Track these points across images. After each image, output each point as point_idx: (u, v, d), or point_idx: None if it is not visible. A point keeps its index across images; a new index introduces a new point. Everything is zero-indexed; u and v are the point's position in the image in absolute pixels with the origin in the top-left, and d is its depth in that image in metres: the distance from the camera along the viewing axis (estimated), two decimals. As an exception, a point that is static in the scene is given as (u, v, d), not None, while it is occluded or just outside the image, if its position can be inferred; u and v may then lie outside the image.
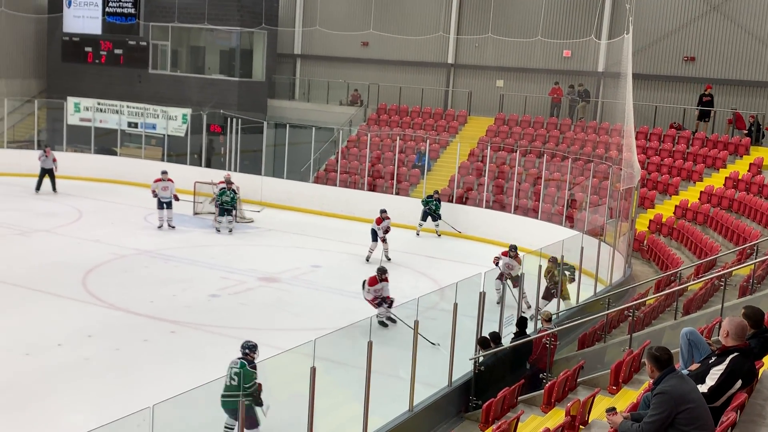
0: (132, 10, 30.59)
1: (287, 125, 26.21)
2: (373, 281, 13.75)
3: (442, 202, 22.10)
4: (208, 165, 27.03)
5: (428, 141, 25.29)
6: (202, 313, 14.14)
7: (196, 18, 29.92)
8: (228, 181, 21.25)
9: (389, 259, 18.47)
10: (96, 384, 10.82)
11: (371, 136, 25.89)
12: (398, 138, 25.66)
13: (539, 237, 18.36)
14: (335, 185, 25.02)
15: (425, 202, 21.96)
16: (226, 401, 8.38)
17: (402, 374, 9.54)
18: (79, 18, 31.50)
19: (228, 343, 12.78)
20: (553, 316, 12.36)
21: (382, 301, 13.62)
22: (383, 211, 19.02)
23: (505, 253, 15.49)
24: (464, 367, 10.41)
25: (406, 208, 23.24)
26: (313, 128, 26.08)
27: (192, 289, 15.52)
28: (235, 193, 21.15)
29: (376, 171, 25.39)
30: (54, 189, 24.53)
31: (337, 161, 25.73)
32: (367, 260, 18.37)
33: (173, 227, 20.61)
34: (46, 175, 24.51)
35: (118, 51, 31.09)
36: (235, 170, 25.75)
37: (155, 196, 20.49)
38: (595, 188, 21.88)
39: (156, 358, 11.97)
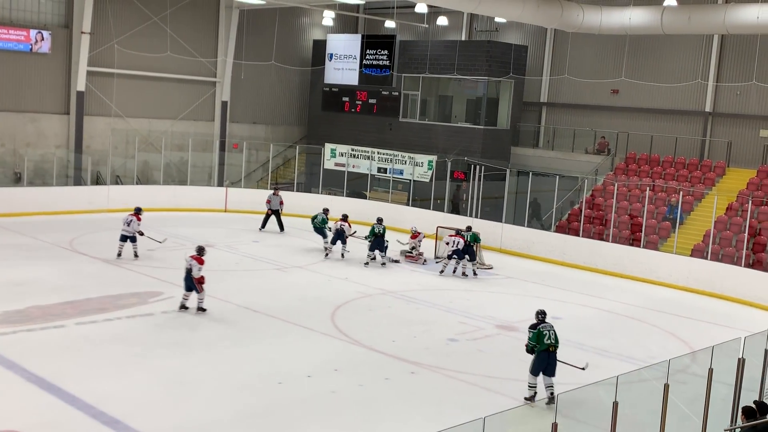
0: (387, 63, 32.30)
1: (530, 173, 26.11)
2: (200, 261, 15.78)
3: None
4: (452, 211, 27.58)
5: (681, 192, 23.97)
6: (440, 356, 14.33)
7: (446, 69, 30.92)
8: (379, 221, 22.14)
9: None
10: (341, 417, 11.30)
11: (618, 185, 25.05)
12: (648, 188, 24.58)
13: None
14: (578, 235, 24.43)
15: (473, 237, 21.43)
16: None
17: (648, 440, 9.01)
18: (339, 70, 33.83)
19: (466, 389, 12.86)
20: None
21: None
22: (459, 231, 21.47)
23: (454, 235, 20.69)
24: (718, 439, 9.63)
25: (654, 262, 22.16)
26: (557, 176, 25.74)
27: (431, 332, 15.81)
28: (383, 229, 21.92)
29: (622, 222, 24.46)
30: (281, 229, 25.79)
31: (581, 211, 25.15)
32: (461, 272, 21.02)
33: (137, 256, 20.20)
34: (273, 214, 25.84)
35: (372, 100, 32.91)
36: (476, 216, 26.05)
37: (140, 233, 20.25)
38: None
39: (396, 397, 12.28)
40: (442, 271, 21.36)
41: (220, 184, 31.58)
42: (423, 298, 18.60)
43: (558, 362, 12.13)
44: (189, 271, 15.83)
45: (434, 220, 24.98)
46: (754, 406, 9.80)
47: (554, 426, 7.29)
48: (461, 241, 21.15)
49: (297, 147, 32.40)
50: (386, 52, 32.34)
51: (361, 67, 33.13)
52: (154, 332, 14.57)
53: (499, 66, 30.25)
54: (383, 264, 21.99)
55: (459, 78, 30.79)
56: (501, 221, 25.54)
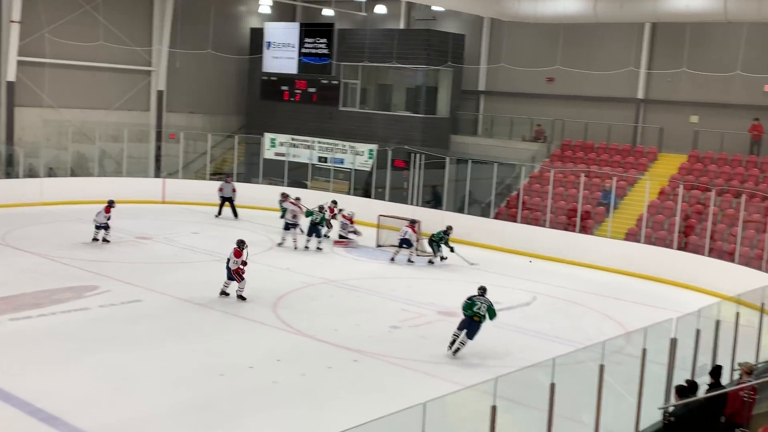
0: (326, 51, 32.17)
1: (469, 161, 26.40)
2: (237, 254, 16.27)
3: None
4: (392, 199, 27.71)
5: (615, 178, 24.53)
6: (383, 344, 14.43)
7: (385, 57, 30.96)
8: (321, 207, 22.80)
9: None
10: (284, 407, 11.31)
11: (555, 172, 25.50)
12: (583, 175, 25.09)
13: (736, 282, 17.26)
14: (516, 221, 24.82)
15: (438, 238, 21.54)
16: None
17: (585, 419, 9.23)
18: (277, 59, 33.54)
19: (409, 375, 13.00)
20: (755, 368, 11.51)
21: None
22: (413, 221, 22.08)
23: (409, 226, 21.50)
24: (651, 417, 9.91)
25: (589, 247, 22.66)
26: (495, 164, 26.07)
27: (374, 320, 15.91)
28: (324, 216, 22.68)
29: (558, 208, 24.94)
30: (235, 215, 26.35)
31: (519, 197, 25.52)
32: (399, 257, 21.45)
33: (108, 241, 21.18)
34: (227, 203, 26.45)
35: (311, 89, 32.74)
36: (417, 204, 26.23)
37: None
38: (801, 232, 20.27)
39: (340, 385, 12.35)
40: (392, 259, 21.72)
41: (158, 175, 31.10)
42: (365, 286, 18.68)
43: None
44: (228, 262, 16.37)
45: (376, 209, 25.06)
46: (686, 384, 10.15)
47: (493, 409, 7.42)
48: (409, 230, 21.61)
49: (236, 137, 32.06)
50: (325, 40, 32.20)
51: (299, 55, 32.91)
52: (91, 327, 14.31)
53: (437, 55, 30.41)
54: (319, 248, 22.29)
55: (398, 67, 30.87)
56: (441, 209, 25.75)
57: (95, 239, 21.19)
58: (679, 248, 21.74)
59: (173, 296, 16.55)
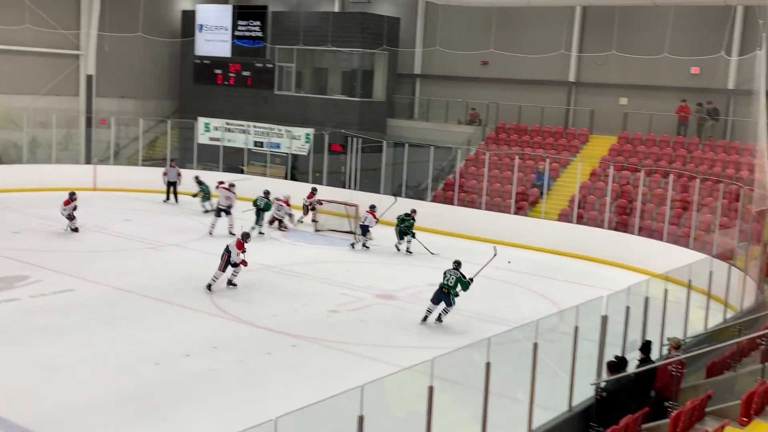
0: (260, 34, 31.79)
1: (406, 144, 26.49)
2: (240, 246, 16.26)
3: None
4: (330, 183, 27.66)
5: (548, 160, 24.96)
6: (322, 328, 14.45)
7: (320, 41, 30.76)
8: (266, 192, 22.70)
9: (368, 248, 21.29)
10: (222, 395, 11.23)
11: (490, 155, 25.80)
12: (517, 157, 25.45)
13: (665, 260, 17.78)
14: (453, 204, 25.05)
15: (401, 220, 21.43)
16: None
17: (520, 396, 9.43)
18: (210, 42, 33.01)
19: (348, 359, 13.06)
20: (682, 343, 11.91)
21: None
22: (373, 206, 21.73)
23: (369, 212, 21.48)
24: (584, 393, 10.18)
25: (524, 228, 23.03)
26: (432, 147, 26.23)
27: (312, 305, 15.90)
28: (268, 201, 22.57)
29: (493, 190, 25.26)
30: (176, 200, 26.31)
31: (455, 180, 25.76)
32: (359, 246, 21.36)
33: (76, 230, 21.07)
34: (172, 187, 26.34)
35: (246, 73, 32.34)
36: (355, 188, 26.23)
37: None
38: (725, 210, 20.96)
39: (279, 371, 12.33)
40: (353, 245, 21.71)
41: (88, 161, 30.38)
42: (303, 271, 18.63)
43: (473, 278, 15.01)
44: (227, 252, 16.25)
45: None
46: (616, 360, 10.45)
47: (430, 389, 7.52)
48: (370, 216, 21.60)
49: (169, 122, 31.49)
50: (258, 23, 31.80)
51: (233, 38, 32.44)
52: (22, 318, 13.94)
53: (372, 38, 30.37)
54: (261, 234, 22.12)
55: (333, 50, 30.72)
56: (380, 192, 25.82)
57: (71, 229, 20.94)
58: (610, 228, 22.27)
59: (106, 285, 16.23)
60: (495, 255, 15.52)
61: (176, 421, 10.35)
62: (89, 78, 31.85)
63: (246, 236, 16.69)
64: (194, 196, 25.52)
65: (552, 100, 28.74)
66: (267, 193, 22.69)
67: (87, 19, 31.27)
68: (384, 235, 23.25)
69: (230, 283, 16.62)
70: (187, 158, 30.13)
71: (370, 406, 6.78)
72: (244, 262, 16.45)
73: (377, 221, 21.80)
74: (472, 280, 15.03)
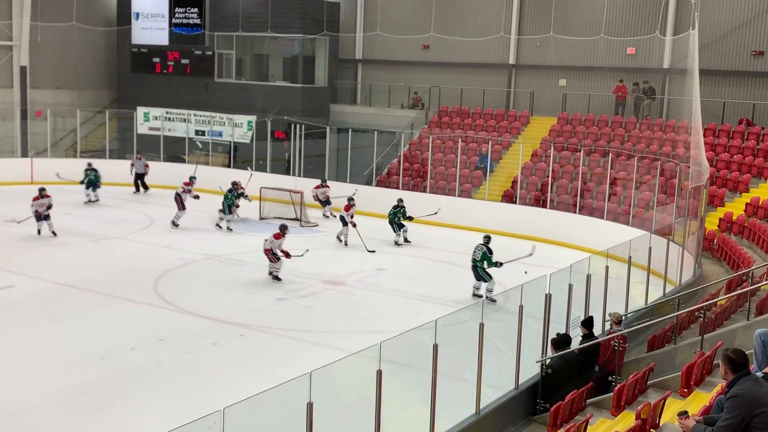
0: (198, 21, 31.29)
1: (349, 130, 26.44)
2: (277, 236, 16.51)
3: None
4: (274, 171, 27.46)
5: (490, 142, 25.20)
6: (269, 316, 14.40)
7: (260, 27, 30.43)
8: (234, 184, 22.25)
9: (346, 244, 20.41)
10: (169, 387, 11.12)
11: (433, 138, 25.92)
12: (460, 140, 25.62)
13: (605, 237, 18.14)
14: (398, 188, 25.11)
15: (393, 215, 21.12)
16: None
17: (468, 377, 9.55)
18: (147, 30, 32.37)
19: (296, 346, 13.04)
20: (623, 318, 12.19)
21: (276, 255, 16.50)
22: (351, 199, 21.03)
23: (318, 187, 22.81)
24: (531, 370, 10.36)
25: (469, 210, 23.22)
26: (375, 132, 26.23)
27: (259, 293, 15.82)
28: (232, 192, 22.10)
29: (438, 173, 25.40)
30: (146, 190, 26.54)
31: (400, 164, 25.83)
32: (345, 244, 20.40)
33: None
34: (139, 179, 26.39)
35: (184, 61, 31.83)
36: (300, 175, 26.11)
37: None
38: (663, 187, 21.47)
39: (226, 361, 12.24)
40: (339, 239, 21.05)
41: (25, 154, 29.58)
42: (249, 260, 18.47)
43: (503, 264, 15.76)
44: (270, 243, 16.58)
45: (258, 182, 24.75)
46: (559, 337, 10.64)
47: (379, 373, 7.57)
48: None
49: (107, 112, 30.83)
50: (196, 10, 31.28)
51: (170, 26, 31.87)
52: (-40, 317, 13.58)
53: (313, 23, 30.16)
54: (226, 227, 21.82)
55: (274, 36, 30.42)
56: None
57: (52, 232, 19.94)
58: (552, 207, 22.62)
59: (48, 280, 15.89)
60: (530, 254, 16.04)
61: (124, 415, 10.22)
62: (23, 69, 30.97)
63: (284, 228, 16.92)
64: (81, 183, 24.53)
65: (493, 82, 28.98)
66: (234, 184, 22.18)
67: (19, 8, 30.37)
68: (330, 223, 23.28)
69: (275, 278, 16.63)
70: (127, 149, 29.59)
71: (318, 393, 6.79)
72: (287, 254, 16.60)
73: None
74: (501, 264, 15.62)
